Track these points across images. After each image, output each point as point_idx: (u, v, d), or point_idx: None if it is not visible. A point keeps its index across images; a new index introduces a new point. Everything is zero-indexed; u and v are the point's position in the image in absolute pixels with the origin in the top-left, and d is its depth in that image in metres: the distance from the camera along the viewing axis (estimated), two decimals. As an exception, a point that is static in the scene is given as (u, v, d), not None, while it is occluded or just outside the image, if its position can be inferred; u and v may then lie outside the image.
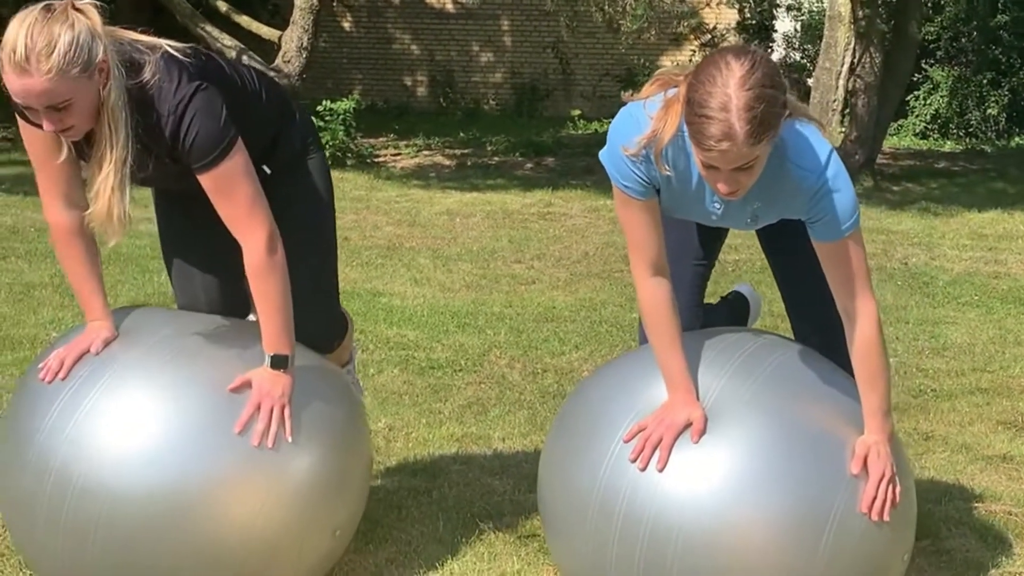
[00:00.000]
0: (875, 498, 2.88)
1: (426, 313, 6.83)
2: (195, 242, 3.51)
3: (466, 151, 14.97)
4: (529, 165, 14.11)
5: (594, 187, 11.92)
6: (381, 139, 15.62)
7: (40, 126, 2.95)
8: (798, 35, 22.11)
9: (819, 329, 3.29)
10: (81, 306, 3.26)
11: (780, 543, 2.85)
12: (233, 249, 3.42)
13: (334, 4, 19.59)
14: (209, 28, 12.73)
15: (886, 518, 2.88)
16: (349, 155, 13.08)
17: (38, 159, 3.15)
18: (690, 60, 19.98)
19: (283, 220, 3.20)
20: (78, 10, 2.89)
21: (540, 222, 10.22)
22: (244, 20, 13.01)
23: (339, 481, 3.22)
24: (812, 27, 21.73)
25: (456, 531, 3.77)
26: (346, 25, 21.08)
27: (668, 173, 2.90)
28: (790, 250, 3.28)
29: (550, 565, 3.52)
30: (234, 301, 3.55)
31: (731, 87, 2.60)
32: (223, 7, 13.21)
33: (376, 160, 13.77)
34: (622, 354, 3.43)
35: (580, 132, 17.69)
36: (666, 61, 20.36)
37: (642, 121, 2.90)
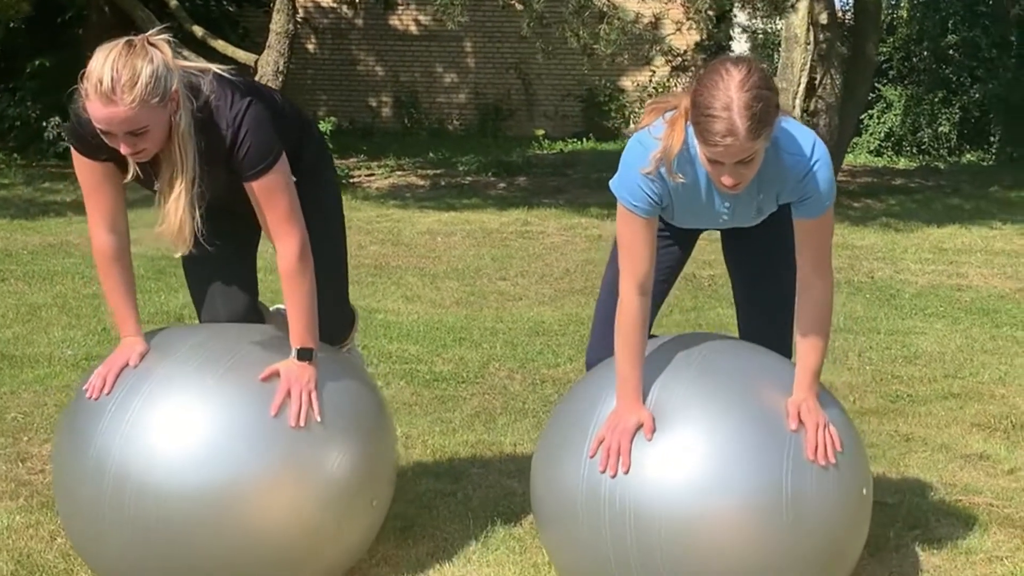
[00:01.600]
0: (817, 444, 3.20)
1: (422, 328, 7.12)
2: (215, 263, 3.75)
3: (438, 171, 15.29)
4: (502, 185, 14.44)
5: (567, 206, 12.27)
6: (352, 160, 15.90)
7: (109, 150, 3.27)
8: (750, 55, 22.61)
9: (768, 312, 3.68)
10: (116, 323, 3.52)
11: (744, 511, 3.13)
12: (250, 268, 3.82)
13: (299, 26, 19.83)
14: (186, 53, 12.94)
15: (832, 460, 3.19)
16: (325, 176, 13.34)
17: (89, 188, 3.45)
18: (650, 80, 20.41)
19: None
20: (152, 44, 3.20)
21: (519, 240, 10.55)
22: (220, 44, 13.26)
23: (371, 459, 3.52)
24: (762, 47, 22.25)
25: (485, 528, 4.06)
26: (310, 47, 21.34)
27: (681, 180, 3.24)
28: (748, 254, 3.68)
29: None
30: (252, 317, 3.86)
31: (732, 89, 2.95)
32: (199, 32, 13.45)
33: (352, 181, 14.05)
34: (589, 372, 3.73)
35: (546, 152, 18.03)
36: (626, 82, 20.79)
37: (649, 144, 3.25)
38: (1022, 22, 17.77)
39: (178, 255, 3.41)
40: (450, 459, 4.82)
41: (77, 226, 10.78)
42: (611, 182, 3.36)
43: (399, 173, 15.18)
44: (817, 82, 13.95)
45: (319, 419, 3.34)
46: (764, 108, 2.96)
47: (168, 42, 3.27)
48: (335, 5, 21.17)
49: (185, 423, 3.27)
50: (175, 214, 3.30)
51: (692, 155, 3.19)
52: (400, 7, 20.79)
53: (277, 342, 3.54)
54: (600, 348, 3.71)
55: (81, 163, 3.42)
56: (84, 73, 3.14)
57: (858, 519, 3.35)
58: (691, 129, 3.11)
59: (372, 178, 14.56)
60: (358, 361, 4.28)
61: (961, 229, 11.74)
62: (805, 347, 3.35)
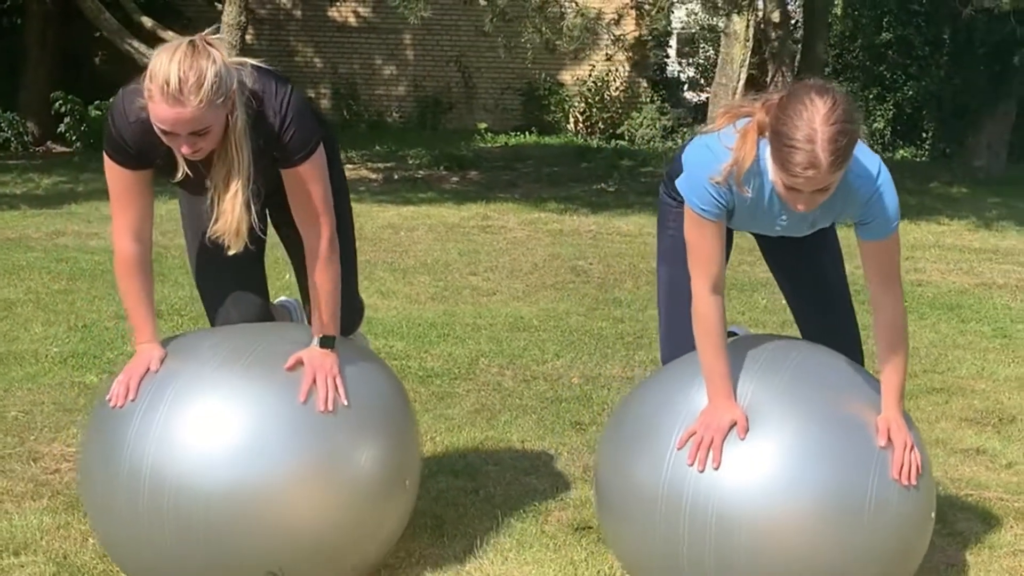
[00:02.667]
0: (903, 465, 3.26)
1: (404, 324, 7.12)
2: (228, 269, 3.76)
3: (388, 165, 15.26)
4: (455, 179, 14.46)
5: (523, 200, 12.32)
6: (298, 152, 15.80)
7: (146, 160, 3.34)
8: (687, 48, 22.86)
9: (830, 335, 3.72)
10: (133, 328, 3.51)
11: (828, 524, 3.19)
12: (262, 273, 3.86)
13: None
14: (136, 44, 12.80)
15: (914, 482, 3.26)
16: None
17: (118, 195, 3.44)
18: (589, 75, 20.51)
19: None
20: (210, 44, 3.20)
21: (483, 235, 10.57)
22: (170, 36, 13.08)
23: (400, 439, 3.57)
24: (696, 41, 22.52)
25: (515, 525, 4.09)
26: (248, 38, 21.10)
27: (749, 195, 3.28)
28: (787, 253, 3.73)
29: (610, 553, 3.86)
30: (265, 320, 3.87)
31: (816, 122, 2.97)
32: (148, 23, 13.30)
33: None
34: (665, 367, 3.75)
35: (490, 145, 18.05)
36: (566, 76, 20.88)
37: (718, 151, 3.27)
38: (955, 20, 18.08)
39: (232, 252, 3.40)
40: (462, 456, 4.84)
41: (33, 220, 10.63)
42: (678, 182, 3.40)
43: (349, 167, 15.09)
44: (769, 79, 14.13)
45: (346, 403, 3.37)
46: (848, 142, 2.99)
47: (222, 42, 3.28)
48: (273, -5, 21.04)
49: (215, 421, 3.27)
50: (232, 212, 3.31)
51: (762, 169, 3.23)
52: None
53: (291, 335, 3.56)
54: (670, 344, 3.75)
55: (113, 170, 3.41)
56: (147, 74, 3.14)
57: (923, 541, 3.43)
58: (762, 143, 3.15)
59: (322, 171, 14.50)
60: (367, 346, 4.31)
61: (910, 225, 11.95)
62: (887, 365, 3.39)
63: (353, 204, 3.99)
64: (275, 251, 3.91)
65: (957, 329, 7.55)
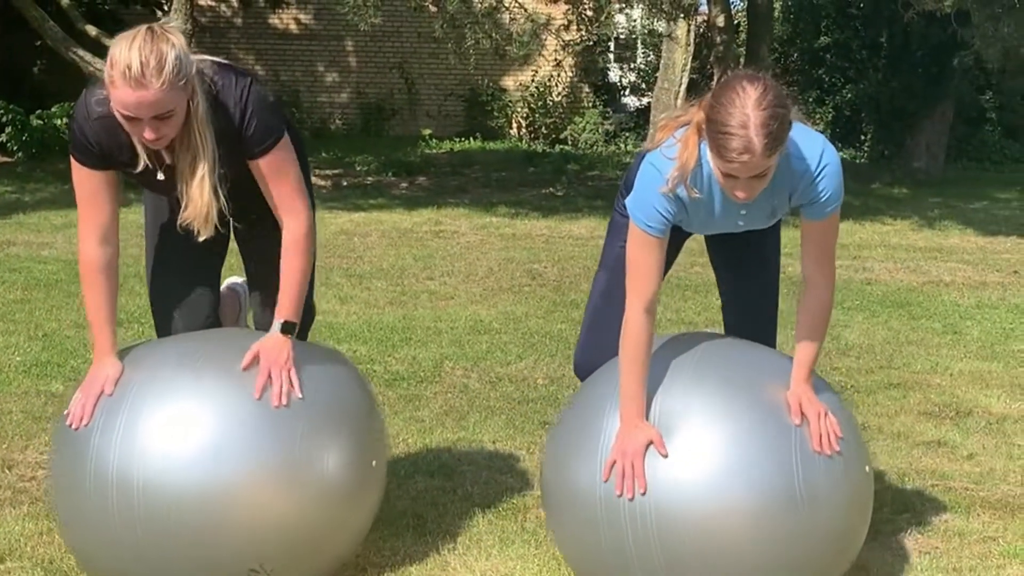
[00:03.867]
0: (821, 434, 3.33)
1: (366, 329, 7.15)
2: (179, 274, 3.82)
3: (336, 171, 15.25)
4: (403, 185, 14.48)
5: (473, 205, 12.38)
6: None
7: (109, 159, 3.38)
8: (628, 54, 23.02)
9: (754, 304, 3.84)
10: (91, 334, 3.52)
11: (765, 506, 3.24)
12: (216, 277, 3.90)
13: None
14: (81, 52, 12.72)
15: (836, 447, 3.33)
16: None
17: (86, 197, 3.47)
18: (532, 80, 20.59)
19: None
20: (167, 31, 3.25)
21: (436, 240, 10.62)
22: (115, 44, 13.03)
23: (365, 435, 3.61)
24: (631, 47, 22.70)
25: (496, 523, 4.14)
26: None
27: (698, 196, 3.35)
28: (732, 250, 3.79)
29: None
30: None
31: (748, 107, 3.05)
32: (93, 31, 13.21)
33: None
34: (598, 371, 3.78)
35: (435, 151, 18.09)
36: (508, 81, 20.95)
37: (663, 166, 3.34)
38: (892, 24, 18.36)
39: (202, 239, 3.45)
40: (436, 457, 4.88)
41: (-23, 231, 10.56)
42: (627, 202, 3.46)
43: (297, 173, 15.10)
44: (714, 83, 14.27)
45: (300, 395, 3.39)
46: (780, 126, 3.06)
47: (180, 31, 3.32)
48: (214, 3, 20.93)
49: (174, 422, 3.30)
50: (200, 198, 3.37)
51: (706, 171, 3.30)
52: (282, 6, 20.61)
53: (235, 339, 3.62)
54: (590, 352, 3.81)
55: (80, 173, 3.45)
56: (107, 62, 3.18)
57: (865, 498, 3.51)
58: (704, 145, 3.22)
59: (270, 179, 14.46)
60: None
61: (856, 225, 12.14)
62: (803, 341, 3.46)
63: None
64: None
65: (908, 326, 7.70)
